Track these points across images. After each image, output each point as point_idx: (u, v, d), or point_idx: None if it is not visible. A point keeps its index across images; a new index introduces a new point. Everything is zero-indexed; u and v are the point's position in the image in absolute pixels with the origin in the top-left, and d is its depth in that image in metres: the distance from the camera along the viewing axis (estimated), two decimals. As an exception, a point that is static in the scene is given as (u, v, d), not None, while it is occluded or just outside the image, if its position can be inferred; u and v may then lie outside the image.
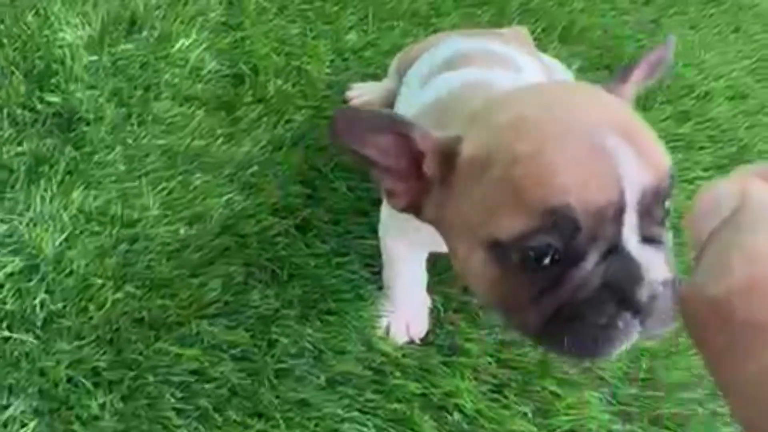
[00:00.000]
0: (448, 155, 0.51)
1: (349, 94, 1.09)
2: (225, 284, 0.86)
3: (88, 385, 0.77)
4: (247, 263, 0.88)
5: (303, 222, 0.93)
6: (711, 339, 0.23)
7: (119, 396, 0.76)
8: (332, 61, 1.15)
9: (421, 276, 0.84)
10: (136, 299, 0.84)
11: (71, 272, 0.85)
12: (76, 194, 0.92)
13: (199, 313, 0.83)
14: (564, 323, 0.48)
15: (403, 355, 0.81)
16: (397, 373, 0.79)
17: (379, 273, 0.88)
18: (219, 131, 1.03)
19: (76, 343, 0.80)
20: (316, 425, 0.75)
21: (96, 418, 0.75)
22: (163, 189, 0.95)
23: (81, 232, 0.89)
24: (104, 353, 0.79)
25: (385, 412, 0.76)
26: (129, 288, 0.84)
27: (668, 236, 0.50)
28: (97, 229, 0.89)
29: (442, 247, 0.57)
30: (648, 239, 0.47)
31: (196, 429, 0.75)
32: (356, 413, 0.76)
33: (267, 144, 1.01)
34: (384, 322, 0.84)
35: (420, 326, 0.83)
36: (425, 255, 0.82)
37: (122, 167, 0.97)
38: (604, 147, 0.45)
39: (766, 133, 1.12)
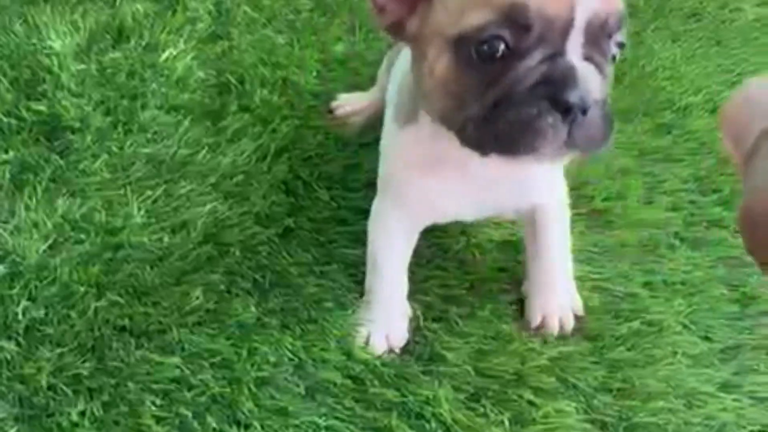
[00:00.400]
0: None
1: (334, 104, 1.10)
2: (207, 293, 0.87)
3: (69, 392, 0.77)
4: (230, 272, 0.89)
5: (286, 231, 0.94)
6: None
7: (100, 403, 0.77)
8: (319, 71, 1.17)
9: (403, 284, 0.86)
10: (119, 307, 0.84)
11: (54, 279, 0.86)
12: (61, 202, 0.93)
13: (181, 321, 0.84)
14: (500, 113, 0.55)
15: (383, 364, 0.82)
16: (376, 382, 0.80)
17: (360, 282, 0.89)
18: (204, 140, 1.04)
19: (57, 350, 0.80)
20: (295, 433, 0.76)
21: (76, 425, 0.75)
22: (148, 197, 0.95)
23: (65, 240, 0.90)
24: (85, 361, 0.80)
25: (364, 420, 0.77)
26: (111, 296, 0.85)
27: (610, 71, 0.58)
28: (80, 236, 0.90)
29: (434, 211, 0.73)
30: (590, 59, 0.55)
31: (176, 437, 0.75)
32: (335, 421, 0.77)
33: (252, 153, 1.02)
34: (364, 331, 0.85)
35: (400, 336, 0.84)
36: (410, 251, 0.85)
37: (107, 175, 0.98)
38: None
39: (744, 147, 1.13)
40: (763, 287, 0.95)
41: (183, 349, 0.82)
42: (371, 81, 1.11)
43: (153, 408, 0.77)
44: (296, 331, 0.84)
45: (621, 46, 0.58)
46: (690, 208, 1.04)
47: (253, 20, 1.23)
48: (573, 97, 0.52)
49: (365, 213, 0.94)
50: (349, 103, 1.09)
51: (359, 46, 1.22)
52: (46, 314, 0.83)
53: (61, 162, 0.98)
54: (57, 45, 1.11)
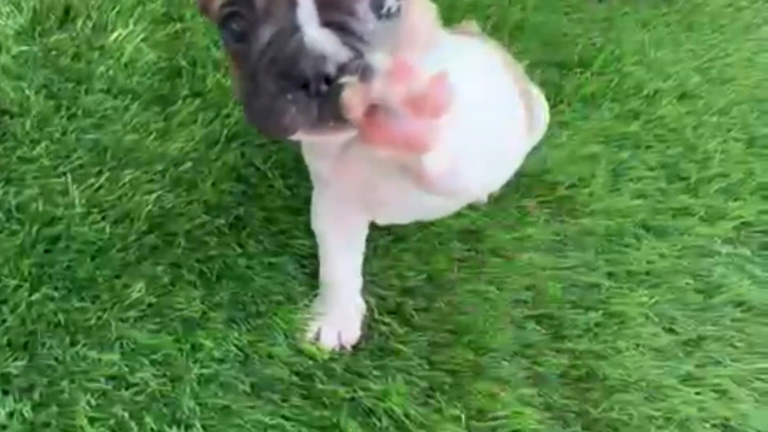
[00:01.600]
0: None
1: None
2: (150, 285, 0.82)
3: (-3, 392, 0.73)
4: (175, 263, 0.85)
5: (236, 220, 0.90)
6: None
7: (30, 404, 0.72)
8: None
9: (357, 277, 0.82)
10: (54, 302, 0.80)
11: (-16, 273, 0.81)
12: (-5, 190, 0.87)
13: (121, 315, 0.79)
14: (253, 94, 0.52)
15: (332, 359, 0.78)
16: (325, 378, 0.76)
17: (313, 274, 0.85)
18: (153, 126, 0.99)
19: (-14, 348, 0.75)
20: (239, 433, 0.72)
21: (4, 427, 0.71)
22: (90, 185, 0.90)
23: (-1, 231, 0.85)
24: (16, 359, 0.75)
25: (311, 418, 0.73)
26: (46, 290, 0.80)
27: (386, 26, 0.53)
28: (15, 227, 0.85)
29: (373, 199, 0.66)
30: (333, 25, 0.51)
31: (111, 438, 0.71)
32: (281, 420, 0.73)
33: (202, 139, 0.98)
34: (315, 327, 0.81)
35: (352, 333, 0.80)
36: (362, 241, 0.81)
37: (47, 162, 0.92)
38: None
39: (712, 134, 1.11)
40: (728, 276, 0.93)
41: (122, 345, 0.77)
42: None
43: (87, 408, 0.72)
44: (243, 326, 0.80)
45: None
46: (656, 196, 1.01)
47: (208, 1, 1.18)
48: (304, 69, 0.48)
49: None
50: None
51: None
52: (-24, 309, 0.78)
53: (-2, 148, 0.92)
54: (-3, 25, 1.05)
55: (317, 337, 0.80)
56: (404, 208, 0.75)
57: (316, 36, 0.50)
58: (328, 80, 0.49)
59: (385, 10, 0.52)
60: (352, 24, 0.51)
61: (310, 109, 0.49)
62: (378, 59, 0.49)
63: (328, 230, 0.79)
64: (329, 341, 0.79)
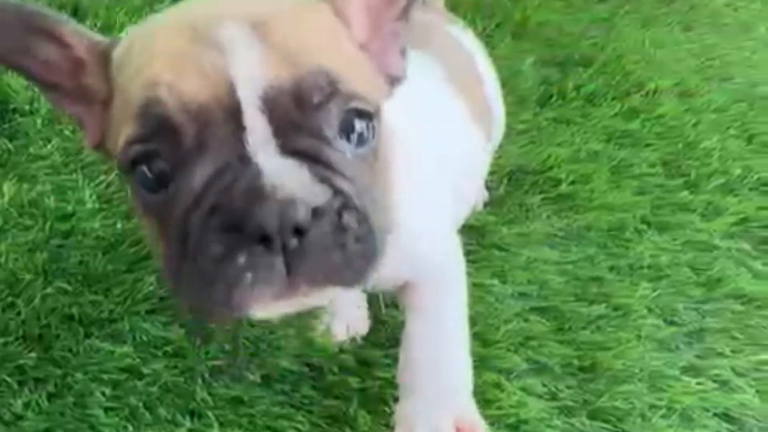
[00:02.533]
0: (106, 58, 0.44)
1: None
2: (160, 280, 0.83)
3: (13, 383, 0.74)
4: (185, 258, 0.86)
5: (245, 216, 0.91)
6: None
7: (45, 394, 0.74)
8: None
9: None
10: (68, 295, 0.81)
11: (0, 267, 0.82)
12: (8, 187, 0.89)
13: (133, 309, 0.81)
14: (184, 263, 0.37)
15: (342, 351, 0.79)
16: (335, 369, 0.78)
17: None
18: (162, 123, 1.00)
19: (1, 340, 0.77)
20: (250, 422, 0.73)
21: (19, 417, 0.72)
22: (101, 182, 0.92)
23: (12, 226, 0.86)
24: (31, 350, 0.77)
25: (322, 408, 0.75)
26: (60, 283, 0.82)
27: (363, 156, 0.40)
28: (28, 222, 0.86)
29: None
30: (297, 153, 0.37)
31: (125, 428, 0.72)
32: (291, 410, 0.74)
33: (211, 137, 0.99)
34: (325, 320, 0.82)
35: (361, 324, 0.82)
36: None
37: (58, 159, 0.94)
38: (213, 38, 0.38)
39: (711, 131, 1.13)
40: (728, 270, 0.94)
41: (134, 337, 0.79)
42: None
43: (102, 398, 0.74)
44: (253, 319, 0.81)
45: (363, 115, 0.40)
46: (657, 192, 1.03)
47: (215, 1, 1.19)
48: (265, 217, 0.35)
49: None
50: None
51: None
52: (-9, 303, 0.79)
53: (10, 146, 0.94)
54: (7, 25, 1.07)
55: (328, 333, 0.81)
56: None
57: (278, 168, 0.36)
58: (299, 230, 0.35)
59: (355, 135, 0.40)
60: (324, 151, 0.38)
61: (274, 273, 0.36)
62: None
63: None
64: (339, 334, 0.81)
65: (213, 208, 0.36)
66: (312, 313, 0.83)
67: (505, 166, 1.01)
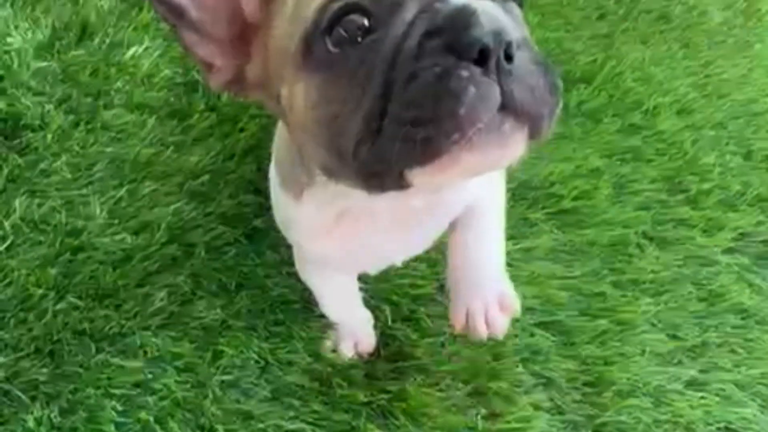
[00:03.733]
0: None
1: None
2: (171, 295, 0.84)
3: (25, 398, 0.75)
4: (195, 273, 0.87)
5: (253, 231, 0.92)
6: None
7: (57, 409, 0.75)
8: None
9: (356, 296, 0.82)
10: (79, 310, 0.82)
11: (11, 282, 0.83)
12: (19, 202, 0.90)
13: (144, 324, 0.82)
14: (397, 105, 0.37)
15: (350, 366, 0.80)
16: (344, 384, 0.79)
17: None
18: (170, 139, 1.01)
19: (13, 355, 0.78)
20: (260, 437, 0.74)
21: (31, 432, 0.73)
22: (110, 197, 0.93)
23: (23, 241, 0.87)
24: (43, 366, 0.77)
25: (331, 422, 0.76)
26: (71, 298, 0.82)
27: (520, 13, 0.43)
28: (39, 238, 0.87)
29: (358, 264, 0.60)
30: None
31: (136, 442, 0.73)
32: (301, 424, 0.75)
33: (219, 153, 1.00)
34: (333, 337, 0.83)
35: (367, 342, 0.83)
36: (355, 279, 0.80)
37: (68, 175, 0.95)
38: None
39: (710, 147, 1.15)
40: (729, 285, 0.96)
41: (145, 352, 0.80)
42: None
43: (113, 413, 0.74)
44: (262, 334, 0.82)
45: None
46: (658, 208, 1.05)
47: (221, 18, 1.21)
48: (481, 34, 0.36)
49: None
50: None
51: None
52: (2, 318, 0.80)
53: (20, 161, 0.95)
54: (17, 41, 1.08)
55: (335, 350, 0.82)
56: (424, 245, 0.71)
57: (482, 4, 0.38)
58: (509, 55, 0.36)
59: None
60: (508, 3, 0.42)
61: (493, 91, 0.36)
62: None
63: (316, 283, 0.76)
64: (347, 352, 0.82)
65: (427, 34, 0.37)
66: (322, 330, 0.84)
67: (508, 181, 1.02)
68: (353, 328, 0.83)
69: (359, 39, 0.39)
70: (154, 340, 0.80)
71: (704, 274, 0.97)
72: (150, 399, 0.76)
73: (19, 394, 0.75)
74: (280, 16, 0.45)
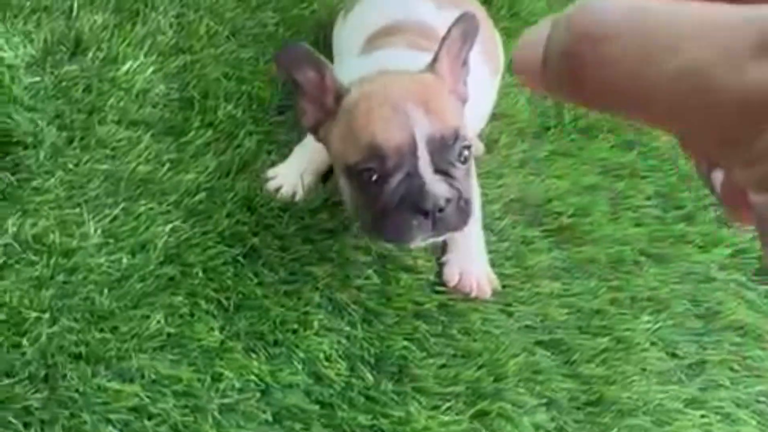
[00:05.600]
0: (340, 96, 0.79)
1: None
2: (168, 316, 0.83)
3: (19, 425, 0.73)
4: (192, 294, 0.86)
5: (251, 250, 0.91)
6: None
7: (52, 436, 0.73)
8: (285, 84, 1.14)
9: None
10: (74, 333, 0.80)
11: (3, 305, 0.81)
12: (11, 221, 0.88)
13: (141, 346, 0.80)
14: (384, 219, 0.76)
15: (350, 386, 0.79)
16: (345, 406, 0.78)
17: (330, 300, 0.87)
18: (165, 157, 1.00)
19: (6, 380, 0.76)
20: (261, 462, 0.73)
21: (26, 460, 0.71)
22: (105, 216, 0.91)
23: (15, 262, 0.85)
24: (37, 391, 0.76)
25: (333, 446, 0.75)
26: (66, 321, 0.81)
27: (465, 169, 0.77)
28: (32, 258, 0.86)
29: None
30: (441, 171, 0.75)
31: (134, 469, 0.71)
32: (303, 449, 0.74)
33: (215, 170, 0.99)
34: (275, 183, 0.98)
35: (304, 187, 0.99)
36: None
37: (62, 193, 0.93)
38: (402, 109, 0.75)
39: (704, 163, 1.16)
40: (726, 301, 0.96)
41: (143, 376, 0.78)
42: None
43: (110, 440, 0.73)
44: (262, 355, 0.81)
45: (467, 147, 0.77)
46: (654, 224, 1.05)
47: (216, 33, 1.20)
48: (427, 205, 0.73)
49: (331, 231, 0.93)
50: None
51: (325, 60, 1.20)
52: (-5, 342, 0.78)
53: (12, 179, 0.93)
54: (9, 56, 1.06)
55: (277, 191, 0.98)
56: None
57: (433, 181, 0.74)
58: (441, 209, 0.73)
59: (463, 158, 0.76)
60: (451, 171, 0.75)
61: (427, 227, 0.75)
62: None
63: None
64: (286, 195, 0.99)
65: (402, 197, 0.74)
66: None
67: (506, 198, 1.03)
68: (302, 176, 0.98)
69: (371, 181, 0.76)
70: (151, 363, 0.79)
71: (701, 290, 0.97)
72: (148, 424, 0.74)
73: (13, 420, 0.73)
74: (338, 126, 0.79)
